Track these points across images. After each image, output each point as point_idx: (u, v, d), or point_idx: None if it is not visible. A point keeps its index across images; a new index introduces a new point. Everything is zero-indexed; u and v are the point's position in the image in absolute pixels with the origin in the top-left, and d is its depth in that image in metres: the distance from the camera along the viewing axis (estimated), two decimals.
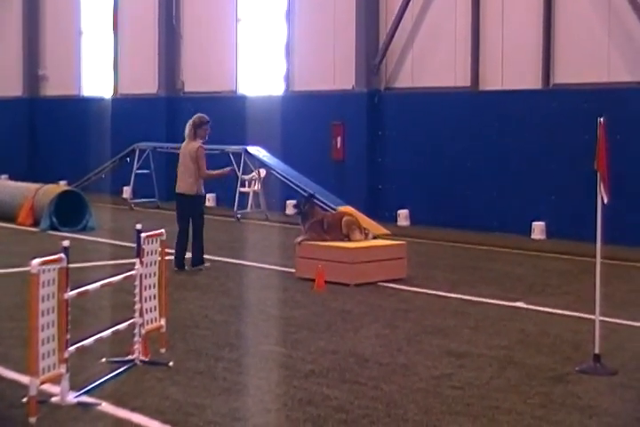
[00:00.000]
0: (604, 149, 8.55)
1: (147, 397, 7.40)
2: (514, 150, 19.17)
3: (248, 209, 22.08)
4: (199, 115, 14.25)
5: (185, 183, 13.99)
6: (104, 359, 8.35)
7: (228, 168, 15.50)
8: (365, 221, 16.77)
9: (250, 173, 22.40)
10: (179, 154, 14.39)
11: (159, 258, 8.74)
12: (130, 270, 8.40)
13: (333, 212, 15.87)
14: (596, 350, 8.44)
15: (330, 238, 13.35)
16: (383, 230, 17.40)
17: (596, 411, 7.25)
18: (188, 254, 13.89)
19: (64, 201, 18.70)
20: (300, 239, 13.43)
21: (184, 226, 14.04)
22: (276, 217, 21.34)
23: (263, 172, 22.37)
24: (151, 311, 8.60)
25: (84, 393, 7.36)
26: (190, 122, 14.07)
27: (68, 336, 7.15)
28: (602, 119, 8.54)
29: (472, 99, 20.05)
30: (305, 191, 18.33)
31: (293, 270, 13.48)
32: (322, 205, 18.08)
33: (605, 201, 8.62)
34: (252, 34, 24.87)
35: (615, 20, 17.98)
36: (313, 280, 12.47)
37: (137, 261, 8.37)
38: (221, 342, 9.30)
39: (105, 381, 7.74)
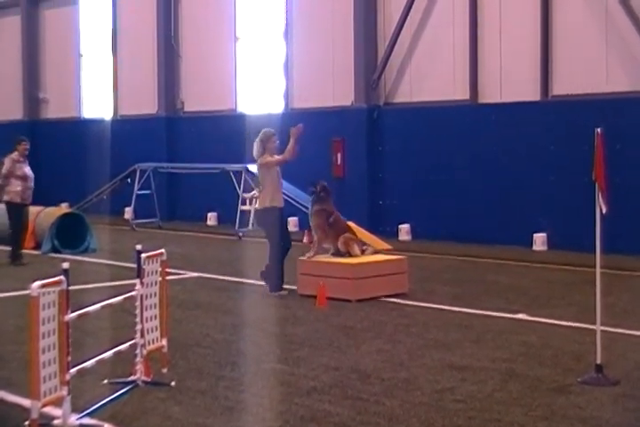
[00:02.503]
0: (601, 159, 8.56)
1: (149, 417, 7.40)
2: (514, 162, 19.20)
3: (249, 227, 22.08)
4: (263, 130, 13.88)
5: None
6: (106, 381, 8.35)
7: (295, 127, 13.90)
8: (367, 236, 16.78)
9: (251, 191, 22.39)
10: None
11: (160, 278, 8.77)
12: (131, 291, 8.41)
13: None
14: (598, 361, 8.44)
15: (329, 233, 13.31)
16: (385, 245, 17.39)
17: (598, 422, 7.23)
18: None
19: (65, 223, 18.72)
20: (309, 255, 13.40)
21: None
22: None
23: None
24: (152, 331, 8.61)
25: (86, 415, 7.35)
26: (257, 140, 13.70)
27: (69, 358, 7.14)
28: (599, 130, 8.56)
29: (471, 112, 20.10)
30: (306, 208, 18.30)
31: (295, 287, 13.49)
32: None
33: (604, 211, 8.62)
34: (251, 52, 24.98)
35: (612, 30, 18.03)
36: (315, 297, 12.47)
37: (137, 281, 8.38)
38: (223, 360, 9.30)
39: (107, 402, 7.73)
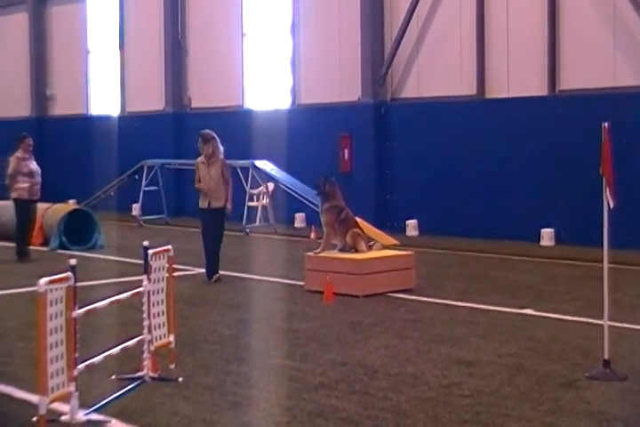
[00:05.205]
0: (608, 153, 8.54)
1: (156, 413, 7.41)
2: (521, 157, 19.18)
3: (257, 223, 22.11)
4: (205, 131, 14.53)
5: None
6: (113, 377, 8.35)
7: None
8: (374, 231, 16.77)
9: (258, 187, 22.44)
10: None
11: (167, 274, 8.78)
12: (138, 287, 8.42)
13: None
14: (606, 356, 8.43)
15: (339, 229, 13.36)
16: (392, 241, 17.38)
17: (606, 417, 7.22)
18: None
19: (73, 220, 18.75)
20: (316, 251, 13.44)
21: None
22: (284, 230, 21.36)
23: (271, 186, 22.42)
24: (160, 327, 8.62)
25: (94, 411, 7.36)
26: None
27: (77, 354, 7.15)
28: (606, 124, 8.54)
29: (478, 107, 20.08)
30: (313, 204, 18.31)
31: (302, 283, 13.50)
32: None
33: (611, 206, 8.61)
34: (258, 48, 24.98)
35: (620, 24, 18.00)
36: (322, 292, 12.47)
37: (144, 277, 8.40)
38: (230, 356, 9.30)
39: (114, 398, 7.74)
